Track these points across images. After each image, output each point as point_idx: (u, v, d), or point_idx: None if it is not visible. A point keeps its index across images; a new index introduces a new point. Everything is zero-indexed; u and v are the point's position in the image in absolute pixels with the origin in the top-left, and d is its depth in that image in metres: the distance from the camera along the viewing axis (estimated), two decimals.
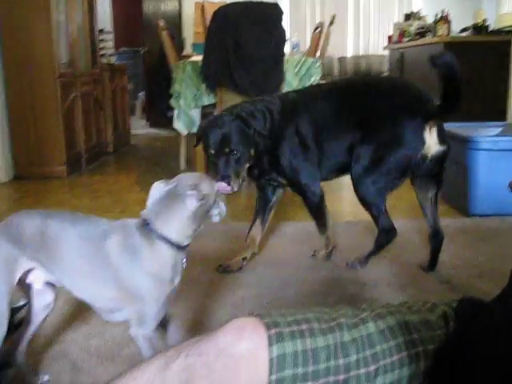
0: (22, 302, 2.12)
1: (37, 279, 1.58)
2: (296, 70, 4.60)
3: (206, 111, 4.68)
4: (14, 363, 1.72)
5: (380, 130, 2.43)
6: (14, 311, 2.00)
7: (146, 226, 1.44)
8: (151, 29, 8.53)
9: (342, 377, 1.06)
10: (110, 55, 7.87)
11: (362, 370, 1.08)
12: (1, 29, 4.94)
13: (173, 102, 4.69)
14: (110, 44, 8.18)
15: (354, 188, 2.54)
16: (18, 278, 1.51)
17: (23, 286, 1.59)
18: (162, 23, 5.06)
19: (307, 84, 4.58)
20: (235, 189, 2.27)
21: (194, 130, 4.63)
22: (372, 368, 1.08)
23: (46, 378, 1.76)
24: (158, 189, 1.50)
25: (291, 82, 4.49)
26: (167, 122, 7.17)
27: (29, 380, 1.74)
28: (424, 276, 2.59)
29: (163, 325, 1.61)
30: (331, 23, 5.29)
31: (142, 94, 10.19)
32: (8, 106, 5.09)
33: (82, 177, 5.26)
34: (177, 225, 1.45)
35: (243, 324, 1.10)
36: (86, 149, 5.75)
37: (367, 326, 1.12)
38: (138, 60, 9.85)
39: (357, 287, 2.48)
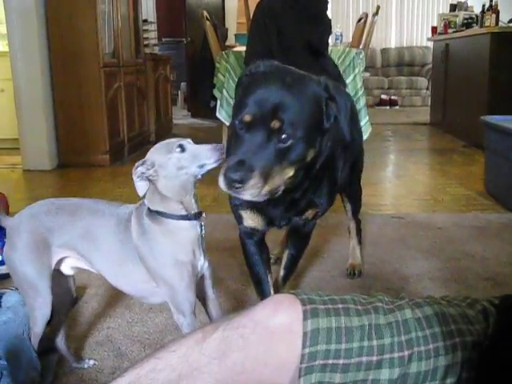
0: None
1: (67, 266, 1.62)
2: (340, 60, 4.56)
3: None
4: (57, 349, 1.76)
5: None
6: None
7: (147, 209, 1.46)
8: (194, 19, 8.55)
9: (375, 358, 1.06)
10: (154, 45, 7.94)
11: (396, 354, 1.06)
12: (48, 19, 5.03)
13: (216, 92, 4.69)
14: (154, 34, 8.24)
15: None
16: (54, 264, 1.55)
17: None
18: (205, 13, 5.06)
19: (351, 75, 4.54)
20: (256, 197, 1.35)
21: None
22: (406, 353, 1.06)
23: (91, 362, 1.79)
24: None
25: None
26: (209, 112, 7.19)
27: (73, 364, 1.77)
28: (468, 272, 2.55)
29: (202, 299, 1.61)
30: (376, 14, 5.23)
31: (183, 85, 10.24)
32: (53, 95, 5.18)
33: (125, 166, 5.32)
34: (156, 198, 1.43)
35: (280, 299, 1.12)
36: (129, 138, 5.81)
37: (404, 312, 1.11)
38: (181, 50, 9.90)
39: (400, 281, 2.45)
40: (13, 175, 5.10)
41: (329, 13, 4.30)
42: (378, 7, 5.33)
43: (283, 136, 1.34)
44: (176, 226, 1.44)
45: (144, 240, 1.45)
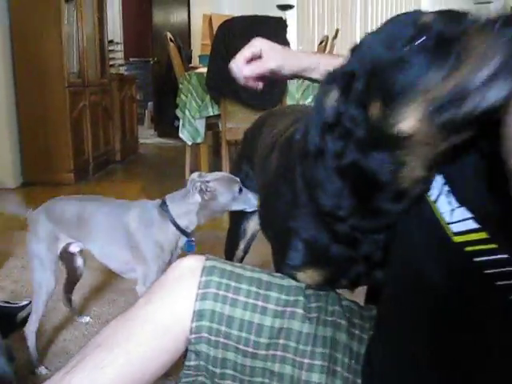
0: (25, 302, 2.22)
1: (73, 248, 2.03)
2: (300, 81, 4.68)
3: (210, 121, 4.78)
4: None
5: None
6: (17, 310, 2.12)
7: (163, 206, 1.79)
8: (160, 40, 8.64)
9: (260, 303, 1.15)
10: (120, 65, 8.00)
11: (280, 308, 1.15)
12: (13, 39, 5.08)
13: (178, 112, 4.78)
14: (120, 55, 8.31)
15: None
16: (59, 250, 1.95)
17: (62, 254, 2.01)
18: (169, 35, 5.17)
19: (310, 96, 4.66)
20: None
21: (199, 139, 4.72)
22: (288, 310, 1.15)
23: (87, 318, 2.30)
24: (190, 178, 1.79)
25: (294, 94, 4.57)
26: (175, 132, 7.26)
27: (77, 318, 2.28)
28: None
29: None
30: (335, 37, 5.39)
31: (150, 104, 10.30)
32: (18, 113, 5.22)
33: (90, 184, 5.35)
34: (184, 212, 1.78)
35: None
36: (94, 157, 5.85)
37: (292, 322, 1.15)
38: (147, 70, 9.98)
39: None
40: None
41: (291, 35, 4.44)
42: (337, 30, 5.50)
43: None
44: (174, 230, 1.79)
45: (143, 230, 1.79)
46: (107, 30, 6.65)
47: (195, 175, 1.77)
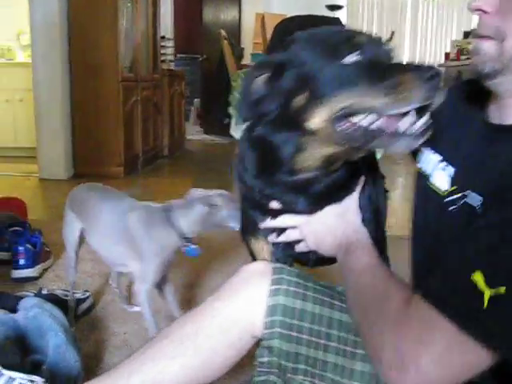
0: (87, 294, 2.26)
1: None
2: None
3: None
4: None
5: None
6: (79, 302, 2.15)
7: (167, 212, 1.86)
8: (210, 37, 8.70)
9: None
10: (170, 61, 8.06)
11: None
12: (70, 33, 5.17)
13: (231, 109, 4.80)
14: (170, 50, 8.37)
15: None
16: (77, 234, 2.08)
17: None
18: (223, 32, 5.19)
19: None
20: None
21: None
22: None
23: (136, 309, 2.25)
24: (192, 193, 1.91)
25: None
26: (221, 129, 7.30)
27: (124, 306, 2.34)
28: None
29: (161, 288, 2.02)
30: (390, 39, 5.34)
31: (197, 101, 10.34)
32: (72, 106, 5.31)
33: (139, 178, 5.42)
34: (186, 220, 1.84)
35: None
36: (143, 151, 5.92)
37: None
38: (196, 67, 10.03)
39: None
40: (28, 183, 5.20)
41: None
42: (393, 33, 5.45)
43: None
44: (173, 234, 1.86)
45: (145, 228, 1.86)
46: (160, 26, 6.71)
47: (194, 190, 1.89)
